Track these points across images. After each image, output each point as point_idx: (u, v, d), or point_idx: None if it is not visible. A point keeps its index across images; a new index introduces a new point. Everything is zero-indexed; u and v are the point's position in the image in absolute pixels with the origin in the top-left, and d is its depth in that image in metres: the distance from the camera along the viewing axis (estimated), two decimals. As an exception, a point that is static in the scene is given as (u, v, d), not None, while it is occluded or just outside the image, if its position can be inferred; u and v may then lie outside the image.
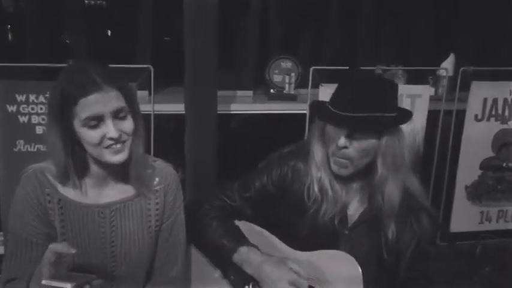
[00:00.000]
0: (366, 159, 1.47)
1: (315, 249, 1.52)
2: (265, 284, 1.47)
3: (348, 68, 2.60)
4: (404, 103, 2.54)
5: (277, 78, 2.97)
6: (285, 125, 2.85)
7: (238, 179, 1.66)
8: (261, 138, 2.95)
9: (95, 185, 1.37)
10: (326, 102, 1.50)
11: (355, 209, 1.56)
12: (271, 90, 2.96)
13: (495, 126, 2.82)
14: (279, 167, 1.59)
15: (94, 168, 1.35)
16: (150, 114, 2.43)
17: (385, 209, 1.49)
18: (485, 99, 2.77)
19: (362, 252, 1.50)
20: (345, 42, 3.28)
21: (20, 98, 2.25)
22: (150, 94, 2.51)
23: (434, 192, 2.82)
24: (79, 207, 1.36)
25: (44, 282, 1.12)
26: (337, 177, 1.51)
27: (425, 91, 2.67)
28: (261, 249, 1.52)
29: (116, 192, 1.40)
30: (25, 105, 2.27)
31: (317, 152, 1.52)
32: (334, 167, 1.49)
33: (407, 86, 2.69)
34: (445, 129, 2.82)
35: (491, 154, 2.84)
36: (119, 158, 1.28)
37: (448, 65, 2.96)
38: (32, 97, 2.26)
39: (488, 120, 2.79)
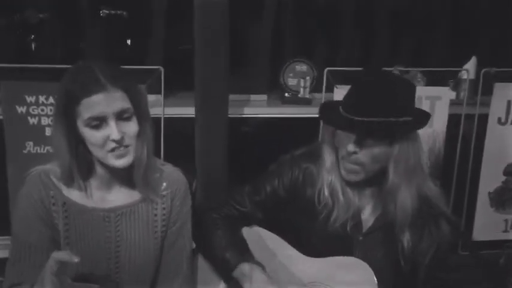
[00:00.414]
0: (378, 165, 1.38)
1: (328, 255, 1.45)
2: None
3: (362, 68, 2.54)
4: (424, 106, 2.48)
5: (291, 81, 2.92)
6: (299, 129, 2.79)
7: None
8: (275, 142, 2.90)
9: (100, 188, 1.35)
10: (339, 102, 1.42)
11: (369, 215, 1.49)
12: (286, 94, 2.92)
13: (519, 130, 2.74)
14: (290, 169, 1.53)
15: (99, 170, 1.33)
16: (160, 118, 2.40)
17: (398, 216, 1.41)
18: (509, 102, 2.69)
19: (377, 259, 1.43)
20: (362, 44, 3.23)
21: (30, 99, 2.24)
22: (162, 96, 2.46)
23: (456, 200, 2.75)
24: (84, 211, 1.34)
25: None
26: (349, 182, 1.44)
27: (445, 93, 2.62)
28: (270, 257, 1.47)
29: (122, 196, 1.38)
30: (35, 107, 2.25)
31: (328, 155, 1.45)
32: (343, 173, 1.41)
33: (426, 87, 2.65)
34: (466, 133, 2.76)
35: (515, 159, 2.76)
36: (122, 162, 1.26)
37: (469, 67, 2.89)
38: (41, 98, 2.25)
39: (512, 123, 2.72)
